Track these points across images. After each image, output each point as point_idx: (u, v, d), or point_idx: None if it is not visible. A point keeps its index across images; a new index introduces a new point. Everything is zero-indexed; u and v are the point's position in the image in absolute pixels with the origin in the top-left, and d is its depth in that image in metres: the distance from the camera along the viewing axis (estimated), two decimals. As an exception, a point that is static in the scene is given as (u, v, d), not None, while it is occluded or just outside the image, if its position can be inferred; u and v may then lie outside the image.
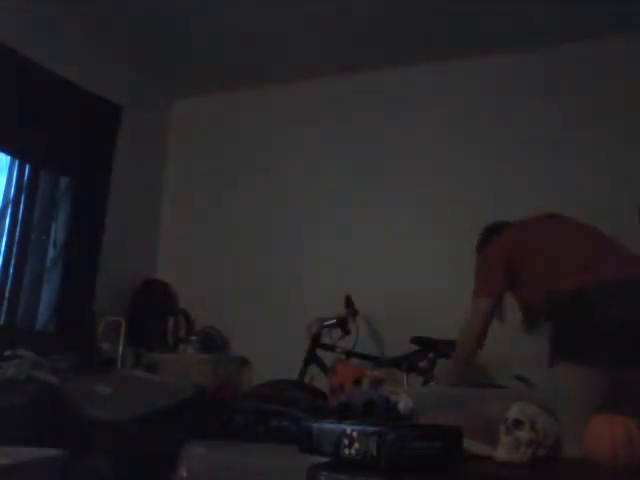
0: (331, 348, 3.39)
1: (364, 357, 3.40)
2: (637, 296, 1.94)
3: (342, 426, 1.13)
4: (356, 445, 1.09)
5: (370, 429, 1.08)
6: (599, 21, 3.55)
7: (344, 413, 1.34)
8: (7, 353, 2.69)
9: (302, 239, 4.17)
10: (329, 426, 1.18)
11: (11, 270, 3.51)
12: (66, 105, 3.75)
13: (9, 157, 3.61)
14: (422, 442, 1.10)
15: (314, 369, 3.37)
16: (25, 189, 3.65)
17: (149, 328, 4.04)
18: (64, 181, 3.89)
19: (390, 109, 4.16)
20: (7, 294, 3.47)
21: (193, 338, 4.03)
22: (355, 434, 1.09)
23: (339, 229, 4.09)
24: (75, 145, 3.86)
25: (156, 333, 4.06)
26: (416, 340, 3.29)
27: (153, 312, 4.12)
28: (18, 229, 3.57)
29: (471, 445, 1.29)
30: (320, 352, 3.42)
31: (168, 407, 2.75)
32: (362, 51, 4.04)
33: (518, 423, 1.23)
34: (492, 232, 2.53)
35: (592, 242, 2.16)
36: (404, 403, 1.38)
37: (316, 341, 3.41)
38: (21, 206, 3.61)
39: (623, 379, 1.91)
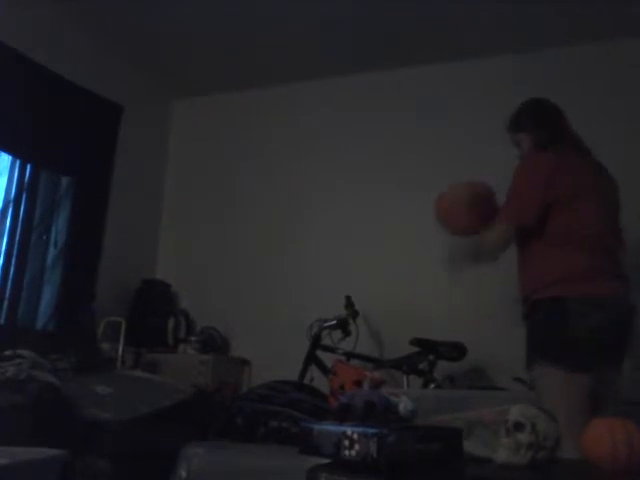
0: (331, 349, 3.39)
1: (364, 358, 3.40)
2: (615, 310, 2.05)
3: (342, 427, 1.13)
4: (356, 447, 1.08)
5: (371, 431, 1.08)
6: (600, 23, 3.55)
7: (344, 414, 1.34)
8: (7, 353, 2.68)
9: (302, 239, 4.17)
10: (329, 427, 1.18)
11: (12, 270, 3.51)
12: (66, 105, 3.75)
13: (10, 157, 3.61)
14: (423, 444, 1.10)
15: (314, 370, 3.37)
16: (26, 189, 3.65)
17: (149, 328, 4.04)
18: (65, 181, 3.90)
19: (391, 109, 4.16)
20: (7, 294, 3.47)
21: (193, 338, 4.03)
22: (355, 436, 1.09)
23: (339, 229, 4.09)
24: (76, 145, 3.86)
25: (156, 333, 4.06)
26: (416, 342, 3.29)
27: (153, 312, 4.12)
28: (19, 229, 3.57)
29: (471, 447, 1.29)
30: (320, 353, 3.42)
31: (168, 407, 2.75)
32: (362, 51, 4.04)
33: (519, 425, 1.23)
34: (545, 121, 2.33)
35: (604, 249, 2.15)
36: (404, 405, 1.38)
37: (316, 342, 3.41)
38: (22, 206, 3.62)
39: (599, 383, 2.01)
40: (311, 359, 3.37)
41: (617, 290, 2.09)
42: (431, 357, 3.24)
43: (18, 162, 3.63)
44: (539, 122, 2.36)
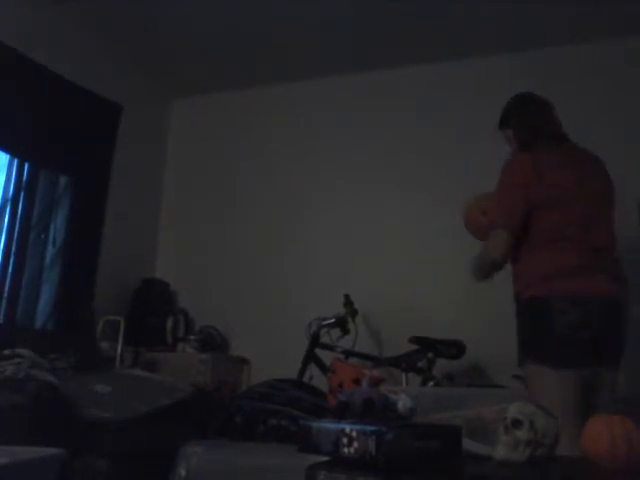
0: (330, 348, 3.39)
1: (363, 357, 3.40)
2: (602, 308, 2.04)
3: (341, 425, 1.13)
4: (355, 444, 1.08)
5: (369, 428, 1.08)
6: (600, 23, 3.56)
7: (343, 412, 1.34)
8: (6, 352, 2.69)
9: (302, 239, 4.17)
10: (328, 425, 1.18)
11: (10, 269, 3.51)
12: (66, 104, 3.75)
13: (8, 156, 3.61)
14: (421, 441, 1.10)
15: (313, 369, 3.37)
16: (24, 188, 3.65)
17: (148, 327, 4.04)
18: (63, 180, 3.89)
19: (390, 109, 4.16)
20: (6, 293, 3.47)
21: (192, 337, 4.03)
22: (354, 433, 1.09)
23: (339, 229, 4.10)
24: (75, 144, 3.85)
25: (155, 332, 4.06)
26: (415, 340, 3.29)
27: (152, 311, 4.12)
28: (17, 228, 3.57)
29: (470, 444, 1.29)
30: (319, 352, 3.42)
31: (167, 406, 2.75)
32: (362, 51, 4.04)
33: (517, 422, 1.23)
34: (532, 121, 2.31)
35: (592, 247, 2.14)
36: (403, 402, 1.39)
37: (315, 341, 3.41)
38: (20, 205, 3.61)
39: (591, 381, 2.03)
40: (310, 357, 3.38)
41: (608, 289, 2.08)
42: (430, 355, 3.25)
43: (16, 161, 3.63)
44: (521, 118, 2.37)
